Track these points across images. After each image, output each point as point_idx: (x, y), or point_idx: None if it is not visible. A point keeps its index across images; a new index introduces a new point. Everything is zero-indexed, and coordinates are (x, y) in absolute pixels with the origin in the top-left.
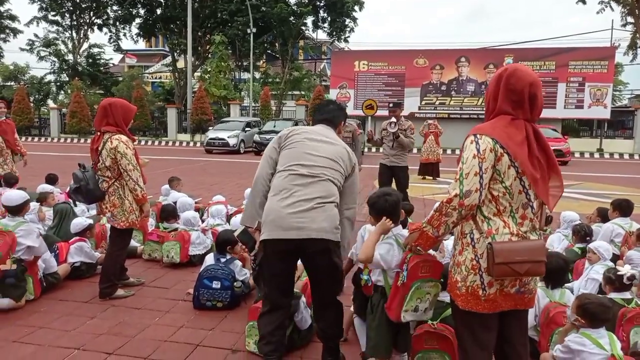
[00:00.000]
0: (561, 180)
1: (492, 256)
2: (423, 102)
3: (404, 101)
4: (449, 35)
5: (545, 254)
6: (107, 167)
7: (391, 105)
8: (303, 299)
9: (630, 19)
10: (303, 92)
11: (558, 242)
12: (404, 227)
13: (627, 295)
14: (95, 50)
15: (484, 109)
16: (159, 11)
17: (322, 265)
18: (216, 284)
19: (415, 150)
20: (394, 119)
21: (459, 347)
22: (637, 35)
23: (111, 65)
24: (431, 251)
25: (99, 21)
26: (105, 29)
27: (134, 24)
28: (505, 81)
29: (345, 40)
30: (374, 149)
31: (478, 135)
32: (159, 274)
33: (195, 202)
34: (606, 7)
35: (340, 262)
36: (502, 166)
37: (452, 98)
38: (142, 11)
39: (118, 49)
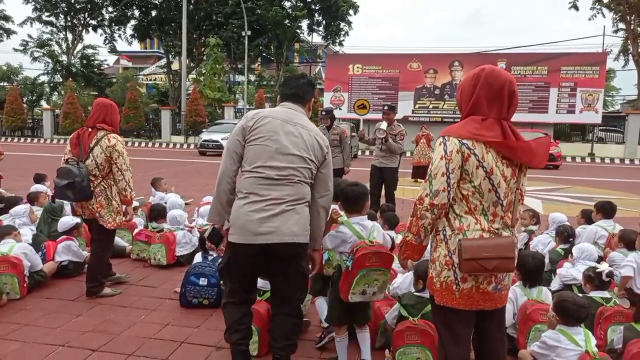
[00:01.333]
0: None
1: (461, 252)
2: (416, 106)
3: (397, 105)
4: (445, 40)
5: (514, 251)
6: (97, 165)
7: (385, 107)
8: None
9: (621, 25)
10: None
11: (545, 243)
12: (392, 228)
13: (606, 294)
14: (90, 51)
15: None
16: (154, 13)
17: (290, 270)
18: (203, 281)
19: (408, 154)
20: (383, 126)
21: (437, 343)
22: (629, 41)
23: (105, 66)
24: None
25: (93, 22)
26: (100, 30)
27: (128, 25)
28: (484, 79)
29: (340, 44)
30: (367, 152)
31: (446, 137)
32: (146, 273)
33: (186, 203)
34: (598, 13)
35: (307, 268)
36: (470, 166)
37: (446, 102)
38: (137, 13)
39: (113, 51)
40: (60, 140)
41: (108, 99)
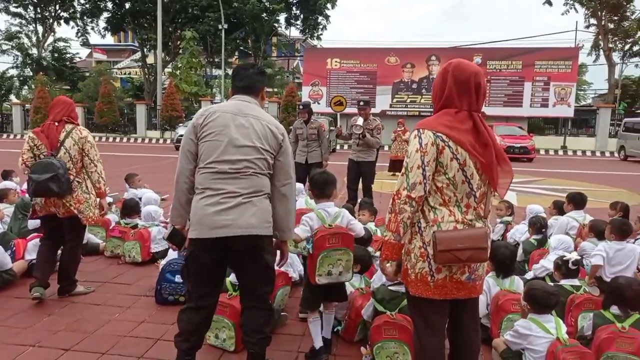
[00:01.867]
0: (510, 167)
1: (435, 244)
2: (394, 100)
3: (375, 99)
4: (428, 35)
5: (487, 242)
6: (71, 158)
7: (361, 103)
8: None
9: (593, 21)
10: (276, 89)
11: (522, 232)
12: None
13: (576, 282)
14: (61, 44)
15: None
16: (127, 5)
17: (252, 264)
18: (179, 278)
19: (386, 148)
20: (359, 122)
21: (413, 334)
22: (600, 36)
23: (78, 59)
24: None
25: (65, 14)
26: (71, 23)
27: (101, 17)
28: (451, 73)
29: (318, 38)
30: (345, 146)
31: (421, 130)
32: (120, 271)
33: (162, 199)
34: (571, 8)
35: (272, 260)
36: (444, 158)
37: (423, 96)
38: (110, 5)
39: (85, 44)
40: None
41: (68, 98)
